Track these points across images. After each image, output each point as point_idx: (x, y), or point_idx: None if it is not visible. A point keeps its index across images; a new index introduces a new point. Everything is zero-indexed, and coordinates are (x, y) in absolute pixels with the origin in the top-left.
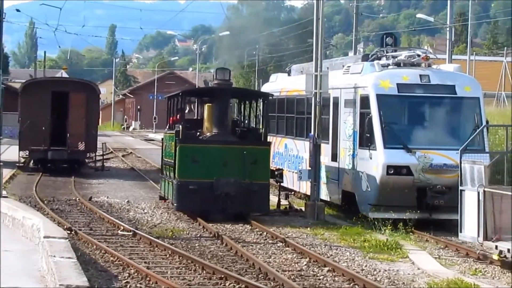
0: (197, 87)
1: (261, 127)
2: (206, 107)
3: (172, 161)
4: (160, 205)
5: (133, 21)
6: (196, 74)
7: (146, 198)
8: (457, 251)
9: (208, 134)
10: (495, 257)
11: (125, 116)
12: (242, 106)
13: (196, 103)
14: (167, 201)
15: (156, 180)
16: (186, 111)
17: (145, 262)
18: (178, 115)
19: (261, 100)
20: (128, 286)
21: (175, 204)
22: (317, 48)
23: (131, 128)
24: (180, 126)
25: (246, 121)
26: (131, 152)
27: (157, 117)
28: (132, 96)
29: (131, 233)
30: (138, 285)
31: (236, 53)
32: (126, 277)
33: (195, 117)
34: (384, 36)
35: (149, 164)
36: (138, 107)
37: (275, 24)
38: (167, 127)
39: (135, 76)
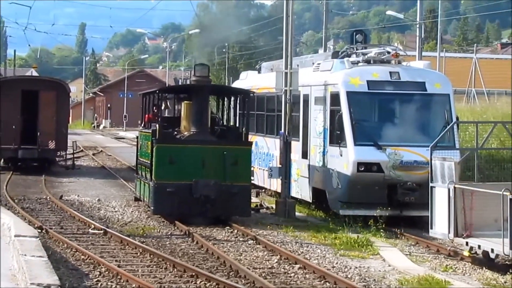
0: (167, 85)
1: (241, 126)
2: (183, 105)
3: (148, 162)
4: (131, 203)
5: (103, 19)
6: (166, 72)
7: (117, 196)
8: (428, 247)
9: (186, 133)
10: (466, 253)
11: (96, 115)
12: (221, 103)
13: (173, 101)
14: (143, 203)
15: (127, 178)
16: (163, 108)
17: (116, 260)
18: (154, 113)
19: (241, 97)
20: (99, 285)
21: (152, 208)
22: (287, 46)
23: (101, 127)
24: (157, 125)
25: (225, 120)
26: (101, 151)
27: (127, 115)
28: (102, 94)
29: (102, 231)
30: (109, 283)
31: (206, 50)
32: (97, 276)
33: (172, 115)
34: (354, 33)
35: (120, 163)
36: (109, 105)
37: (245, 22)
38: (142, 125)
39: (105, 75)
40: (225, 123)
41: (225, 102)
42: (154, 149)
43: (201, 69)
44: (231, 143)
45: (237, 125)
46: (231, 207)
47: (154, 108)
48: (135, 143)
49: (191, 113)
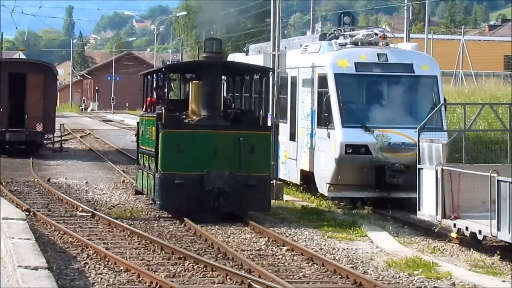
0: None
1: (258, 108)
2: (192, 85)
3: (153, 150)
4: (118, 185)
5: (90, 2)
6: (154, 54)
7: (105, 179)
8: (415, 229)
9: (195, 117)
10: (453, 235)
11: (83, 97)
12: (234, 83)
13: (179, 81)
14: (145, 196)
15: (114, 161)
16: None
17: (104, 243)
18: (157, 95)
19: (258, 76)
20: (87, 267)
21: (158, 202)
22: (274, 28)
23: (89, 109)
24: (163, 108)
25: (240, 102)
26: (89, 133)
27: (115, 98)
28: (90, 77)
29: (89, 214)
30: (97, 265)
31: (193, 33)
32: (84, 258)
33: (178, 98)
34: (342, 15)
35: (108, 145)
36: (96, 88)
37: (232, 4)
38: (144, 109)
39: (92, 57)
40: (237, 106)
41: (237, 82)
42: (160, 135)
43: (212, 44)
44: (247, 128)
45: (253, 108)
46: (247, 202)
47: (158, 89)
48: (123, 126)
49: (202, 94)
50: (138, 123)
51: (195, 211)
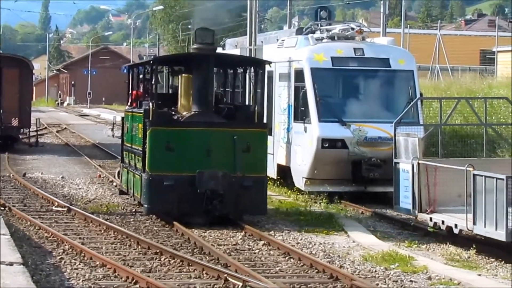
0: (132, 61)
1: (254, 103)
2: (183, 78)
3: (139, 149)
4: (95, 180)
5: None
6: (131, 49)
7: (81, 173)
8: (392, 223)
9: (185, 113)
10: (430, 229)
11: (60, 92)
12: (225, 76)
13: (167, 74)
14: (131, 198)
15: (91, 155)
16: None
17: (79, 238)
18: (144, 89)
19: (254, 68)
20: (62, 262)
21: (146, 206)
22: (251, 22)
23: (65, 104)
24: (151, 104)
25: (232, 97)
26: (65, 128)
27: (91, 93)
28: (66, 71)
29: (65, 209)
30: (73, 261)
31: (170, 27)
32: (60, 253)
33: (166, 92)
34: (319, 9)
35: (84, 140)
36: (73, 82)
37: None
38: (128, 103)
39: (69, 52)
40: (230, 101)
41: (232, 74)
42: (148, 133)
43: (204, 34)
44: (243, 125)
45: (247, 103)
46: (243, 204)
47: (146, 83)
48: (99, 121)
49: (193, 88)
50: (123, 118)
51: (186, 215)
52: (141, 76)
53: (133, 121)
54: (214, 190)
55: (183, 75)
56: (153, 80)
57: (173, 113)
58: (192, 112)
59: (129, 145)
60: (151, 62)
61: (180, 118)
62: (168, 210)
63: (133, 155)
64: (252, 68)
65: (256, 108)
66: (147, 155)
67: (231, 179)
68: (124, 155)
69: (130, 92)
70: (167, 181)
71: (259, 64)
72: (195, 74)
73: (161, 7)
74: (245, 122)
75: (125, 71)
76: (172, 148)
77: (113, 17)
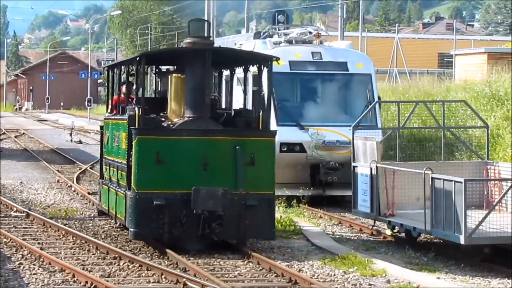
0: (89, 66)
1: (257, 107)
2: (173, 79)
3: (123, 162)
4: (53, 185)
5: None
6: (89, 53)
7: (40, 178)
8: (350, 227)
9: (177, 120)
10: (388, 232)
11: (18, 97)
12: (220, 76)
13: (153, 74)
14: (112, 220)
15: (49, 160)
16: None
17: (38, 243)
18: (128, 92)
19: (258, 67)
20: (21, 267)
21: (132, 230)
22: (209, 27)
23: (23, 109)
24: (136, 109)
25: (229, 101)
26: (23, 133)
27: (50, 98)
28: (24, 76)
29: (24, 214)
30: (32, 266)
31: (128, 31)
32: (19, 258)
33: (153, 96)
34: (276, 13)
35: (42, 145)
36: (31, 87)
37: (166, 3)
38: (108, 110)
39: (27, 57)
40: (227, 105)
41: (224, 74)
42: (133, 143)
43: (199, 26)
44: (245, 134)
45: (249, 107)
46: (246, 227)
47: (130, 85)
48: (57, 126)
49: (186, 90)
50: (101, 127)
51: (179, 240)
52: (123, 76)
53: (115, 130)
54: (212, 210)
55: (173, 75)
56: (139, 81)
57: (162, 119)
58: (186, 118)
59: (110, 157)
60: (138, 59)
61: (172, 125)
62: (157, 235)
63: (115, 169)
64: (256, 66)
65: (260, 113)
66: (132, 170)
67: (232, 197)
68: (104, 170)
69: (110, 97)
70: (157, 200)
71: (265, 61)
72: (189, 73)
73: (119, 11)
74: (248, 129)
75: (100, 75)
76: (162, 161)
77: (71, 21)
